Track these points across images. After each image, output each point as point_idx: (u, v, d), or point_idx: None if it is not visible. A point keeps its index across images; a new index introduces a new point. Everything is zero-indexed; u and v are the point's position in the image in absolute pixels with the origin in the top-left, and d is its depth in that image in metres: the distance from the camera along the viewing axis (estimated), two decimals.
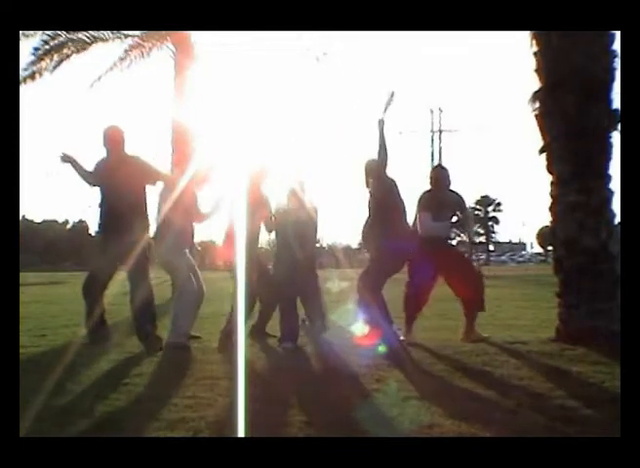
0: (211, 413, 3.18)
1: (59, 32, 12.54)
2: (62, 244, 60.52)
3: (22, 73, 12.58)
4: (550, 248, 7.29)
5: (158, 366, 4.61)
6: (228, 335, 5.29)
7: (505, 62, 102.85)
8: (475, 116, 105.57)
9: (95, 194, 5.57)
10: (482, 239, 66.00)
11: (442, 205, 5.80)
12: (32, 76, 12.90)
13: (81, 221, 64.84)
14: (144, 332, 5.31)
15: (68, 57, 12.99)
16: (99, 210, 5.56)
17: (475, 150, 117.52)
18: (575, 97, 5.30)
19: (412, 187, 5.84)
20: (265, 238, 6.26)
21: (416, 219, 5.86)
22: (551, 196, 5.54)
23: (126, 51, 13.43)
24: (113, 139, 5.52)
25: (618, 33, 4.97)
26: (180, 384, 3.88)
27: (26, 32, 11.97)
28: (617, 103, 5.30)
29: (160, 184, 5.61)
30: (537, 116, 5.60)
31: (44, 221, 67.64)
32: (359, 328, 5.56)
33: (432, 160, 38.78)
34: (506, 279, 19.38)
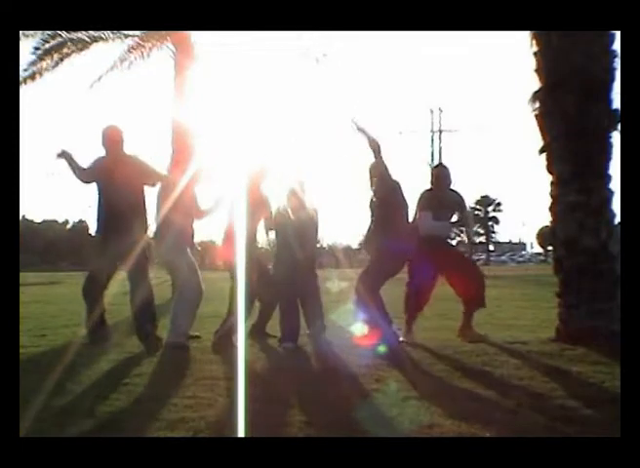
0: (211, 413, 3.18)
1: (59, 32, 12.54)
2: (62, 244, 60.50)
3: (23, 73, 12.58)
4: (550, 248, 7.29)
5: (158, 366, 4.61)
6: (227, 335, 5.30)
7: (505, 62, 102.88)
8: (475, 116, 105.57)
9: (93, 194, 5.57)
10: (482, 239, 66.02)
11: (442, 204, 5.80)
12: (32, 76, 12.90)
13: (81, 221, 64.82)
14: (144, 332, 5.31)
15: (68, 56, 12.99)
16: (97, 210, 5.55)
17: (475, 150, 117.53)
18: (575, 97, 5.30)
19: (412, 187, 5.85)
20: (265, 238, 6.25)
21: (416, 218, 5.86)
22: (551, 196, 5.54)
23: (126, 51, 13.44)
24: (112, 139, 5.52)
25: (618, 33, 4.97)
26: (179, 384, 3.88)
27: (26, 32, 11.98)
28: (617, 103, 5.30)
29: (159, 185, 5.61)
30: (537, 116, 5.61)
31: (44, 221, 67.66)
32: (359, 328, 5.56)
33: (432, 160, 38.78)
34: (506, 279, 19.37)
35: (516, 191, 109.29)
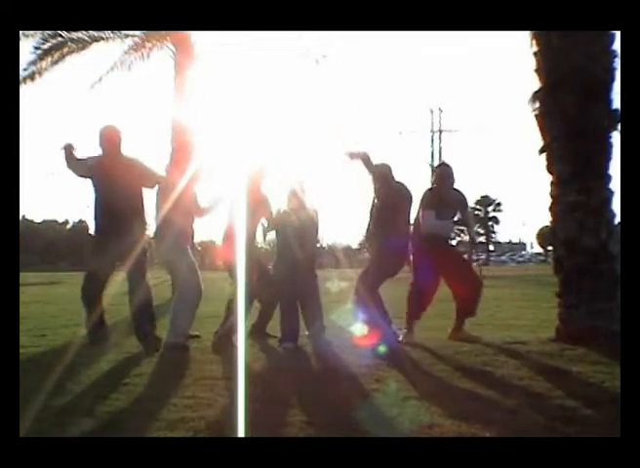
0: (211, 413, 3.18)
1: (59, 32, 12.54)
2: (62, 244, 60.49)
3: (22, 73, 12.58)
4: (550, 248, 7.29)
5: (157, 366, 4.61)
6: (227, 335, 5.30)
7: (505, 62, 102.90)
8: (475, 116, 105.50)
9: (90, 193, 5.56)
10: (482, 239, 65.98)
11: (445, 203, 5.79)
12: (32, 76, 12.90)
13: (81, 221, 64.71)
14: (143, 333, 5.31)
15: (69, 54, 12.99)
16: (94, 209, 5.54)
17: (475, 150, 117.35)
18: (575, 97, 5.30)
19: (412, 187, 5.84)
20: (265, 238, 6.26)
21: (418, 217, 5.85)
22: (551, 196, 5.54)
23: (126, 52, 13.44)
24: (109, 140, 5.51)
25: (618, 33, 4.97)
26: (179, 384, 3.87)
27: (26, 32, 11.97)
28: (617, 103, 5.30)
29: (158, 186, 5.60)
30: (537, 116, 5.60)
31: (44, 221, 67.66)
32: (359, 328, 5.56)
33: (432, 160, 38.81)
34: (506, 279, 19.39)
35: (516, 191, 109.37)
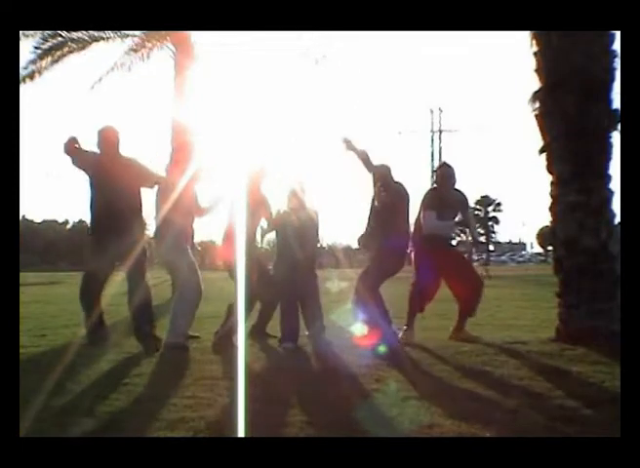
0: (211, 413, 3.18)
1: (58, 32, 12.53)
2: (62, 244, 60.50)
3: (22, 72, 12.57)
4: (550, 248, 7.29)
5: (157, 366, 4.61)
6: (227, 336, 5.30)
7: (505, 62, 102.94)
8: (475, 116, 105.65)
9: (87, 191, 5.54)
10: (482, 239, 65.97)
11: (446, 204, 5.79)
12: (32, 75, 12.89)
13: (81, 221, 64.67)
14: (143, 333, 5.31)
15: (69, 54, 12.99)
16: (91, 208, 5.52)
17: (475, 150, 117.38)
18: (575, 97, 5.30)
19: (411, 187, 5.84)
20: (265, 238, 6.26)
21: (419, 218, 5.85)
22: (551, 196, 5.54)
23: (126, 52, 13.44)
24: (108, 140, 5.50)
25: (618, 33, 4.97)
26: (179, 384, 3.87)
27: (26, 32, 11.97)
28: (617, 103, 5.30)
29: (157, 186, 5.60)
30: (537, 116, 5.60)
31: (44, 221, 67.70)
32: (359, 328, 5.56)
33: (432, 160, 38.85)
34: (506, 279, 19.40)
35: (516, 191, 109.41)
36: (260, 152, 6.55)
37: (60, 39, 12.77)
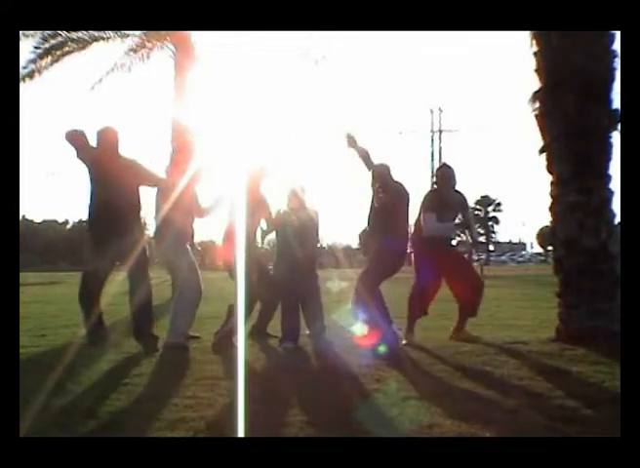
0: (211, 413, 3.18)
1: (59, 32, 12.54)
2: (62, 244, 60.48)
3: (22, 71, 12.56)
4: (550, 248, 7.29)
5: (157, 366, 4.61)
6: (228, 336, 5.30)
7: (505, 62, 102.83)
8: (475, 116, 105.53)
9: (86, 187, 5.54)
10: (482, 239, 65.99)
11: (446, 205, 5.78)
12: (31, 74, 12.89)
13: (81, 221, 64.57)
14: (143, 333, 5.31)
15: (69, 53, 12.99)
16: (91, 206, 5.51)
17: (475, 150, 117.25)
18: (575, 97, 5.30)
19: (411, 187, 5.84)
20: (265, 238, 6.26)
21: (419, 219, 5.85)
22: (551, 196, 5.54)
23: (126, 53, 13.44)
24: (107, 140, 5.50)
25: (618, 33, 4.97)
26: (179, 384, 3.88)
27: (26, 32, 11.98)
28: (617, 103, 5.31)
29: (157, 187, 5.59)
30: (537, 116, 5.60)
31: (44, 221, 67.64)
32: (359, 328, 5.56)
33: (432, 160, 38.87)
34: (506, 279, 19.39)
35: (516, 191, 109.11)
36: (259, 152, 6.55)
37: (60, 39, 12.77)
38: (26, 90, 14.44)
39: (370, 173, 5.61)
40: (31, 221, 61.68)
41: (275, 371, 4.55)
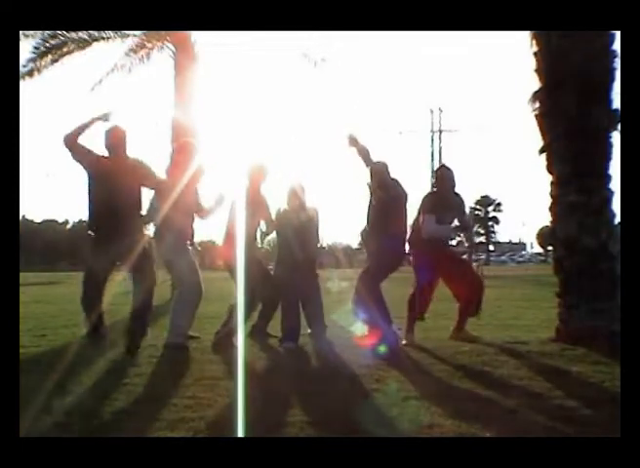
0: (211, 413, 3.18)
1: (59, 32, 12.53)
2: (62, 244, 60.47)
3: (21, 70, 12.54)
4: (550, 248, 7.29)
5: (157, 366, 4.60)
6: (228, 336, 5.30)
7: (505, 62, 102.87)
8: (475, 116, 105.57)
9: (85, 190, 5.53)
10: (482, 239, 65.98)
11: (446, 207, 5.78)
12: (31, 73, 12.88)
13: (81, 221, 64.56)
14: (132, 331, 5.28)
15: (69, 53, 12.98)
16: (90, 207, 5.50)
17: (475, 150, 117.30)
18: (575, 97, 5.30)
19: (411, 187, 5.84)
20: (265, 238, 6.25)
21: (418, 220, 5.85)
22: (551, 196, 5.54)
23: (126, 54, 13.42)
24: (116, 139, 5.51)
25: (618, 33, 4.97)
26: (179, 384, 3.87)
27: (26, 32, 11.97)
28: (617, 103, 5.30)
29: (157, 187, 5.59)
30: (537, 116, 5.60)
31: (44, 221, 67.68)
32: (359, 328, 5.56)
33: (432, 160, 38.89)
34: (506, 279, 19.36)
35: (516, 191, 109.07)
36: (259, 152, 6.55)
37: (60, 39, 12.76)
38: (26, 88, 14.45)
39: (368, 170, 5.61)
40: (31, 221, 61.68)
41: (275, 372, 4.55)
